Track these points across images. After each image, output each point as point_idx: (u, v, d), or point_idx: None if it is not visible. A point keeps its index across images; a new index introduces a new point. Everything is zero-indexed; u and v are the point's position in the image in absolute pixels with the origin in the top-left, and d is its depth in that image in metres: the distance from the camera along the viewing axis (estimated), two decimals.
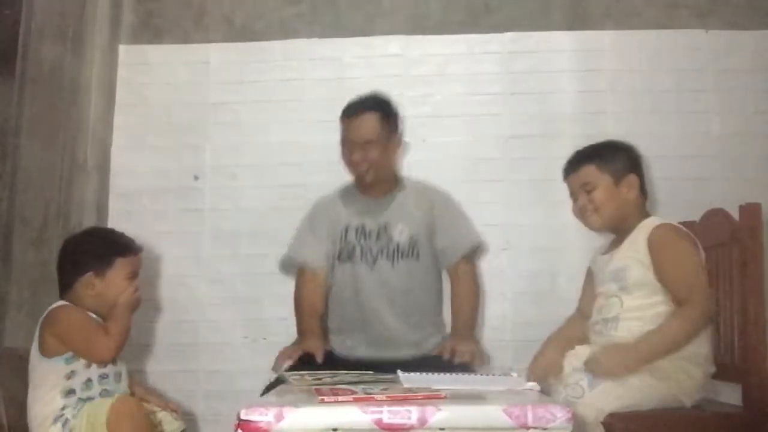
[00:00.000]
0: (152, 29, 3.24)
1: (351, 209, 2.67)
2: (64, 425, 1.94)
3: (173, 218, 2.96)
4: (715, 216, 2.31)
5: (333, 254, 2.64)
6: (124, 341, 2.06)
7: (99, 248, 2.11)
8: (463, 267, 2.67)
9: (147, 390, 2.30)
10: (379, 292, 2.57)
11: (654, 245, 2.15)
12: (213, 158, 3.14)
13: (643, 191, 2.32)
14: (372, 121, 2.56)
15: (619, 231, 2.29)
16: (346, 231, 2.64)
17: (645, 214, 2.28)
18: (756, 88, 3.04)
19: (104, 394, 2.01)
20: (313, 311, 2.63)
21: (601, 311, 2.23)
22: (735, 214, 2.21)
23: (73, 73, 2.81)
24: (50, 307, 2.08)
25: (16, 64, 2.51)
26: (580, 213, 2.31)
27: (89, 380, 2.01)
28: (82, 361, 2.02)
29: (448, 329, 2.68)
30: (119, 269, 2.10)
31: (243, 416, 1.43)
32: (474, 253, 2.76)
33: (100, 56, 3.04)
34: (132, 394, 2.13)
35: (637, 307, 2.15)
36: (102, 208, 3.03)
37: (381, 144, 2.57)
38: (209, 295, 3.07)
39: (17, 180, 2.48)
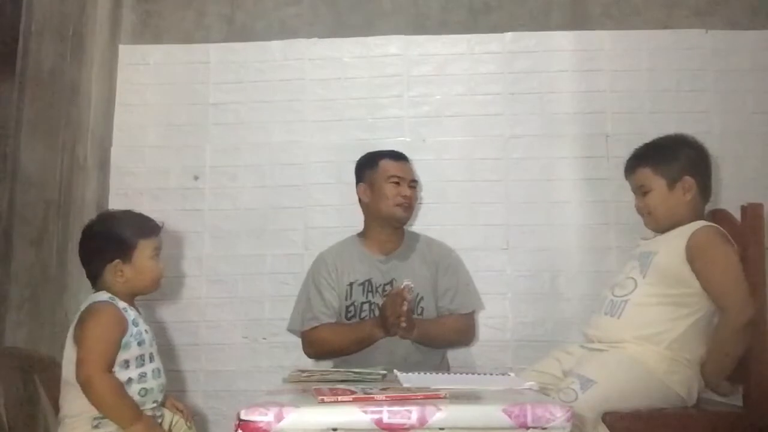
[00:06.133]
0: (152, 29, 3.25)
1: (357, 264, 2.66)
2: None
3: (173, 218, 2.96)
4: (716, 216, 2.31)
5: (339, 311, 2.63)
6: (102, 393, 1.88)
7: (121, 234, 2.03)
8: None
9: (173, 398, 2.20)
10: (383, 349, 2.52)
11: (694, 250, 2.13)
12: (213, 158, 3.14)
13: (705, 192, 2.29)
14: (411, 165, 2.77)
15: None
16: (351, 287, 2.63)
17: (697, 217, 2.24)
18: (756, 88, 3.04)
19: (143, 392, 1.95)
20: (344, 325, 2.62)
21: (614, 289, 2.25)
22: (735, 214, 2.21)
23: (73, 73, 2.81)
24: (92, 301, 1.99)
25: (16, 64, 2.50)
26: (638, 213, 2.33)
27: (129, 380, 1.94)
28: (120, 360, 1.94)
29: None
30: (143, 250, 2.03)
31: (243, 416, 1.42)
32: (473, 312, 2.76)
33: (100, 56, 3.04)
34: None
35: (646, 294, 2.16)
36: (102, 208, 3.02)
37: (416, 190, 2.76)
38: (209, 295, 3.07)
39: (17, 180, 2.47)
